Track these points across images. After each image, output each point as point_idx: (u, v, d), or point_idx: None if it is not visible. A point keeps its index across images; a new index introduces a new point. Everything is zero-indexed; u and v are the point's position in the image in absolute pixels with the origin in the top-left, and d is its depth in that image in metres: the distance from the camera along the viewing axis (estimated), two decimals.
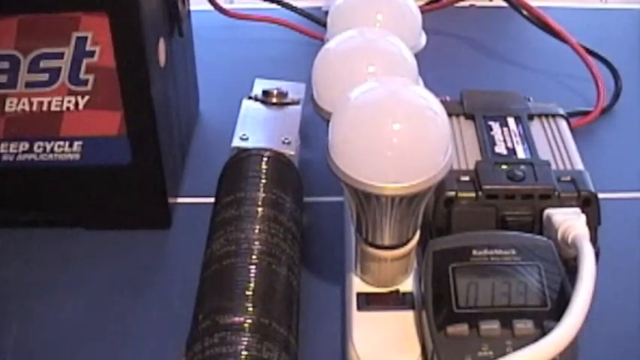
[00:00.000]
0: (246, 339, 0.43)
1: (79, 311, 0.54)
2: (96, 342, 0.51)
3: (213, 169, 0.57)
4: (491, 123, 0.57)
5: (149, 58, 0.54)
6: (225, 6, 0.83)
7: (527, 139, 0.56)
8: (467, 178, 0.52)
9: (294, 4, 0.84)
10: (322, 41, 0.58)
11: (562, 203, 0.51)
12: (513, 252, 0.46)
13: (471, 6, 0.91)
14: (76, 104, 0.54)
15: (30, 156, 0.56)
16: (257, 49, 0.83)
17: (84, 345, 0.51)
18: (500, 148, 0.55)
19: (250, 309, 0.45)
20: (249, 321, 0.44)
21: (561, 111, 0.60)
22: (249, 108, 0.63)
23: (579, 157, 0.55)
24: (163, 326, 0.52)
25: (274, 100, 0.64)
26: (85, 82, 0.54)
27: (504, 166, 0.53)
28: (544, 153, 0.55)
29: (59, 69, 0.53)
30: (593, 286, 0.43)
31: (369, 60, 0.51)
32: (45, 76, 0.54)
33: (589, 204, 0.51)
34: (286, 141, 0.59)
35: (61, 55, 0.53)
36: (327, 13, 0.60)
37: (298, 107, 0.64)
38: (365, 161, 0.44)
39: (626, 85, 0.74)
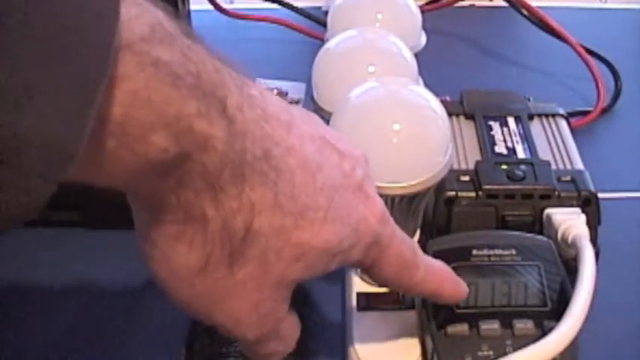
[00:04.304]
0: None
1: (78, 310, 0.54)
2: (96, 341, 0.51)
3: None
4: (491, 123, 0.57)
5: None
6: (225, 6, 0.83)
7: (527, 138, 0.56)
8: (467, 178, 0.52)
9: (294, 4, 0.84)
10: (322, 41, 0.58)
11: (562, 203, 0.51)
12: (513, 252, 0.46)
13: (471, 6, 0.91)
14: None
15: None
16: (257, 49, 0.83)
17: (84, 344, 0.51)
18: (500, 148, 0.55)
19: None
20: None
21: (561, 111, 0.60)
22: None
23: (579, 157, 0.55)
24: (163, 326, 0.52)
25: None
26: None
27: (504, 166, 0.53)
28: (544, 153, 0.55)
29: None
30: (593, 286, 0.43)
31: (369, 60, 0.50)
32: None
33: (589, 204, 0.51)
34: None
35: None
36: (327, 13, 0.60)
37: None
38: None
39: (626, 85, 0.74)
